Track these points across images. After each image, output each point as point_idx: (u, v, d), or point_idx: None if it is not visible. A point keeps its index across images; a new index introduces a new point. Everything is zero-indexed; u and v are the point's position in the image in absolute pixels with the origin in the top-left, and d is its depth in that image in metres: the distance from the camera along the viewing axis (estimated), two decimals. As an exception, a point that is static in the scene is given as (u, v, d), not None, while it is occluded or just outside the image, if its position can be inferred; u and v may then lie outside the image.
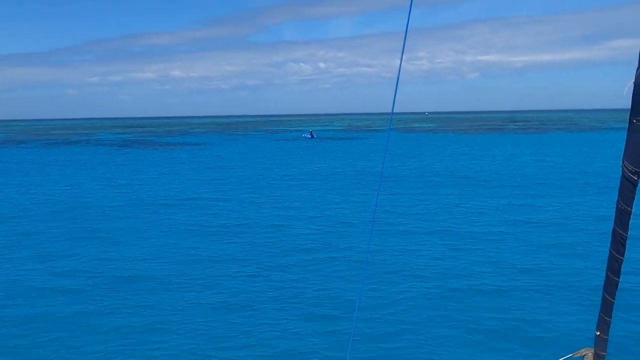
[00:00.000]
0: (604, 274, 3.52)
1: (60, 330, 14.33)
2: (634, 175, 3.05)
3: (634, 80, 2.86)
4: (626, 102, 2.94)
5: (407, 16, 3.79)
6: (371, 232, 24.12)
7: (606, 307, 3.65)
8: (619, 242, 3.31)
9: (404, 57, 4.13)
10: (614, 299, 3.58)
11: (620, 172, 3.11)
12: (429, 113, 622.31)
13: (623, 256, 3.35)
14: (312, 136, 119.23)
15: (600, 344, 3.82)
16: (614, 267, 3.43)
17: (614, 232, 3.31)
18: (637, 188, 3.12)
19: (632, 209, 3.17)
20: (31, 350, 13.26)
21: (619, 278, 3.46)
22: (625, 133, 3.03)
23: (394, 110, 4.35)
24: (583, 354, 3.98)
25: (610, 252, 3.40)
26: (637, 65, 2.85)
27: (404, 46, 4.06)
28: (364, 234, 24.36)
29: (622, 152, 3.06)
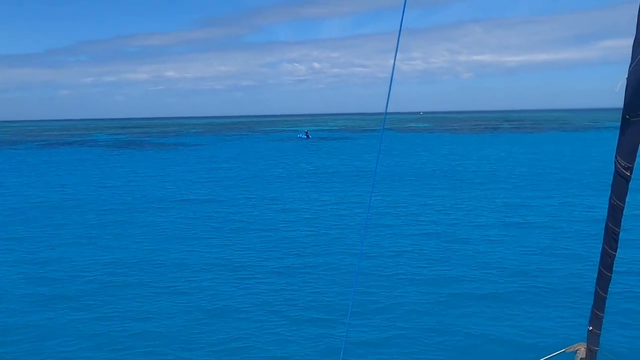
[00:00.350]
0: (597, 270, 3.54)
1: (49, 337, 14.11)
2: (626, 171, 3.06)
3: (626, 76, 2.88)
4: (618, 102, 2.96)
5: (401, 16, 3.80)
6: (364, 236, 23.99)
7: (599, 302, 3.67)
8: (611, 238, 3.33)
9: (398, 57, 4.14)
10: (607, 294, 3.60)
11: (613, 169, 3.13)
12: (423, 113, 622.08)
13: (616, 251, 3.37)
14: (308, 136, 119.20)
15: (592, 339, 3.84)
16: (606, 262, 3.45)
17: (606, 227, 3.33)
18: (630, 184, 3.13)
19: (624, 204, 3.18)
20: (20, 357, 13.08)
21: (611, 273, 3.48)
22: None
23: (389, 110, 4.36)
24: (576, 349, 4.00)
25: (603, 247, 3.41)
26: (629, 62, 2.86)
27: (397, 46, 4.07)
28: (359, 237, 24.29)
29: (615, 148, 3.07)
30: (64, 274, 19.74)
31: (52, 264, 21.10)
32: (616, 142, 3.05)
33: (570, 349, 4.03)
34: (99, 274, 19.64)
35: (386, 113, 4.47)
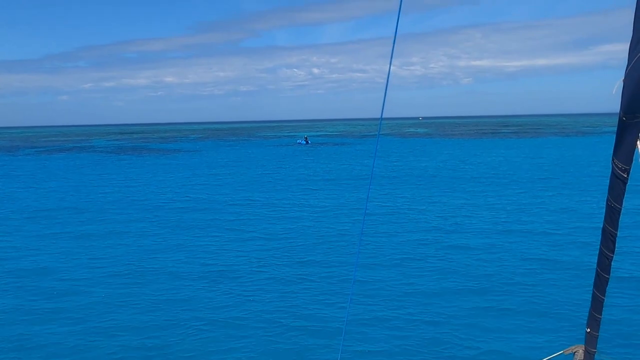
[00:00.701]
0: (594, 272, 3.55)
1: (40, 350, 13.78)
2: (623, 173, 3.07)
3: (623, 78, 2.89)
4: (617, 106, 2.97)
5: (396, 21, 3.82)
6: (359, 244, 23.75)
7: (596, 304, 3.68)
8: (609, 239, 3.34)
9: (397, 63, 4.18)
10: (604, 296, 3.61)
11: (610, 170, 3.14)
12: (423, 118, 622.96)
13: (613, 253, 3.38)
14: (307, 142, 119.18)
15: (590, 341, 3.86)
16: (604, 264, 3.46)
17: (604, 229, 3.34)
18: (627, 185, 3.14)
19: (622, 206, 3.19)
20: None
21: (609, 275, 3.48)
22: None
23: (388, 115, 4.39)
24: (574, 351, 4.01)
25: (600, 249, 3.42)
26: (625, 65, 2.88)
27: (392, 51, 4.09)
28: (357, 244, 23.91)
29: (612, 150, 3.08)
30: (56, 283, 19.29)
31: (44, 273, 20.66)
32: (613, 144, 3.06)
33: (569, 350, 4.05)
34: (92, 283, 19.18)
35: (381, 118, 4.49)
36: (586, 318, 3.81)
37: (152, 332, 14.72)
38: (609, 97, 3.06)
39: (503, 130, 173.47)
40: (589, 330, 3.82)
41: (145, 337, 14.39)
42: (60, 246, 25.06)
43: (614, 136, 3.06)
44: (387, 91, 4.31)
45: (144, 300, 17.38)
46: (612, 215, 3.24)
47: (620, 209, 3.20)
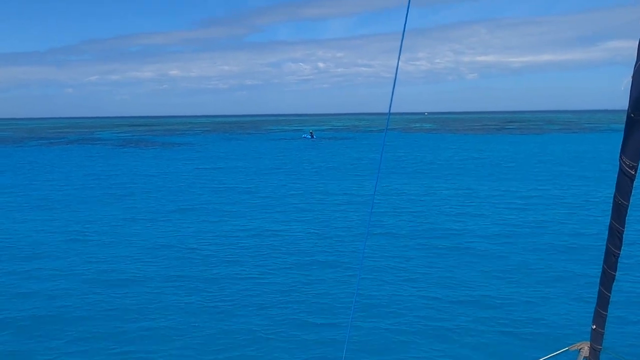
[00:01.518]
0: (601, 268, 3.55)
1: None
2: (631, 170, 3.06)
3: (632, 75, 2.88)
4: (624, 103, 2.95)
5: (405, 17, 3.81)
6: (365, 242, 23.56)
7: (602, 301, 3.68)
8: (615, 236, 3.33)
9: (403, 58, 4.16)
10: (610, 293, 3.61)
11: (618, 167, 3.13)
12: (428, 113, 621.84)
13: (620, 250, 3.37)
14: (312, 136, 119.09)
15: (596, 338, 3.86)
16: (610, 261, 3.46)
17: (611, 226, 3.33)
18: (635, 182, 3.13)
19: (629, 203, 3.19)
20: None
21: (615, 272, 3.48)
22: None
23: (393, 110, 4.37)
24: (579, 348, 4.02)
25: (607, 246, 3.42)
26: (635, 61, 2.86)
27: (401, 47, 4.08)
28: (363, 241, 23.66)
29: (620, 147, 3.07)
30: (51, 284, 18.41)
31: (37, 273, 19.77)
32: (621, 141, 3.05)
33: (574, 347, 4.05)
34: (90, 286, 18.33)
35: (389, 114, 4.48)
36: (592, 315, 3.81)
37: (144, 339, 14.10)
38: (615, 94, 3.05)
39: (508, 127, 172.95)
40: (594, 327, 3.82)
41: (138, 345, 13.80)
42: (57, 247, 23.88)
43: (622, 133, 3.05)
44: (392, 87, 4.30)
45: (143, 303, 16.67)
46: (619, 212, 3.24)
47: (628, 206, 3.19)
